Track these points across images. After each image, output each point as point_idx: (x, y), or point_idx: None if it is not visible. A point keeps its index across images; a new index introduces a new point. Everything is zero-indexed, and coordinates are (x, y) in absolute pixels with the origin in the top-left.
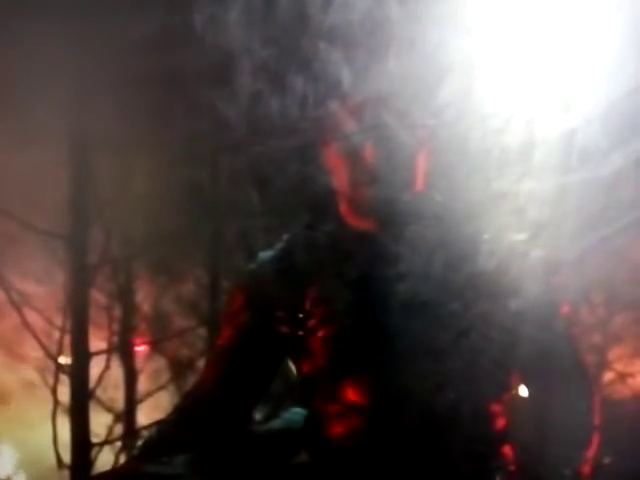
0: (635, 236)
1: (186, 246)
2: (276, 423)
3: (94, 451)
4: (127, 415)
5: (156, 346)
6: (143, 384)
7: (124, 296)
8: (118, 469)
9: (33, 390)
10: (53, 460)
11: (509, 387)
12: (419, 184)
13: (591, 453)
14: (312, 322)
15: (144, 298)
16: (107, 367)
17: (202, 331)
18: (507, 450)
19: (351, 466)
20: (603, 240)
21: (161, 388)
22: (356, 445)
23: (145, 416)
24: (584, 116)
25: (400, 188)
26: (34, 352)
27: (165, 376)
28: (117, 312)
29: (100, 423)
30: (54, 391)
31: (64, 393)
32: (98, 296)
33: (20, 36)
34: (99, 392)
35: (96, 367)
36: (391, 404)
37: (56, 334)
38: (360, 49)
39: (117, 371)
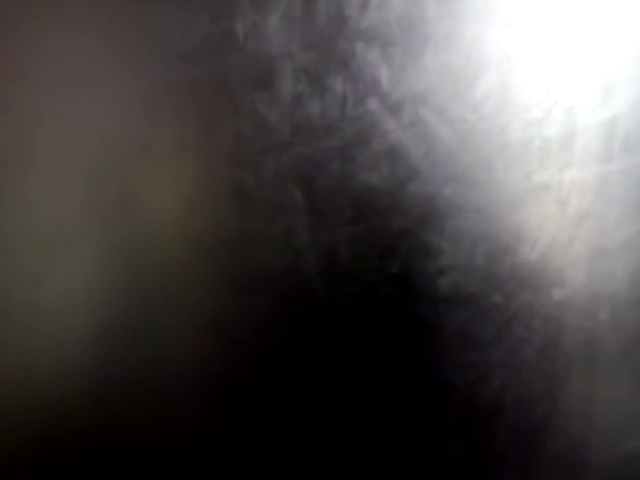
0: None
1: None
2: None
3: None
4: None
5: None
6: None
7: None
8: None
9: None
10: None
11: (554, 377)
12: (460, 178)
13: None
14: None
15: None
16: None
17: None
18: (551, 439)
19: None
20: None
21: None
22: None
23: None
24: (625, 103)
25: (440, 183)
26: None
27: None
28: None
29: None
30: None
31: None
32: None
33: (60, 42)
34: None
35: None
36: (434, 396)
37: None
38: (397, 48)
39: None
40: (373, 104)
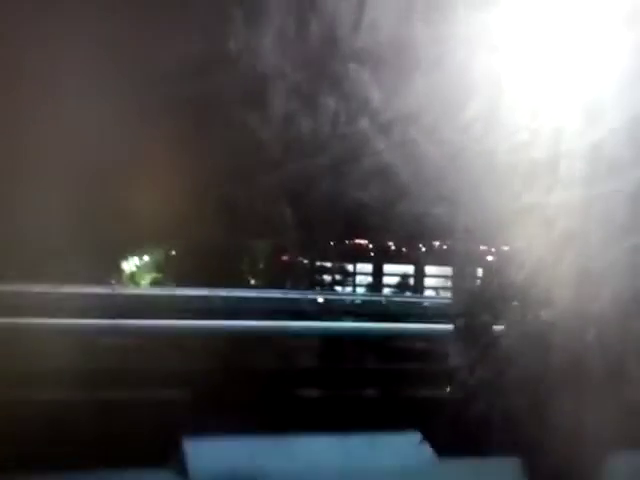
0: None
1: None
2: None
3: None
4: None
5: None
6: None
7: None
8: None
9: None
10: None
11: (540, 395)
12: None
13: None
14: None
15: None
16: None
17: None
18: (538, 456)
19: None
20: (632, 250)
21: None
22: None
23: None
24: (610, 127)
25: (430, 203)
26: None
27: None
28: None
29: None
30: None
31: None
32: None
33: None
34: None
35: None
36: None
37: None
38: (388, 69)
39: None
40: (364, 123)
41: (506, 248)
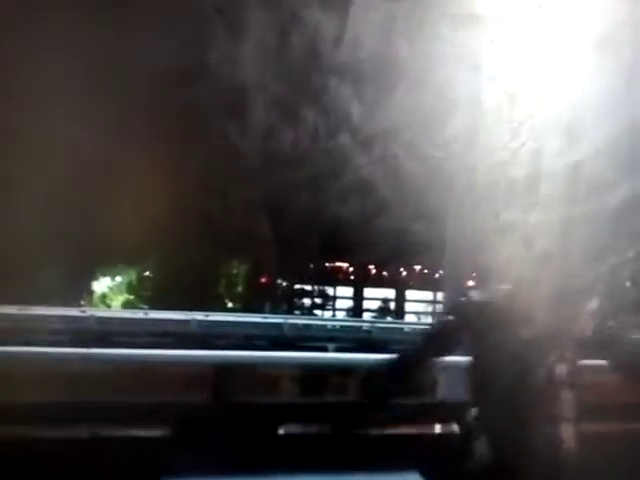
0: None
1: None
2: None
3: None
4: None
5: None
6: None
7: None
8: None
9: None
10: None
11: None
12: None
13: None
14: None
15: None
16: None
17: None
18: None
19: None
20: (611, 270)
21: None
22: None
23: None
24: (591, 148)
25: (409, 219)
26: None
27: None
28: None
29: None
30: None
31: None
32: None
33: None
34: None
35: None
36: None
37: None
38: (369, 84)
39: None
40: (344, 138)
41: (486, 266)
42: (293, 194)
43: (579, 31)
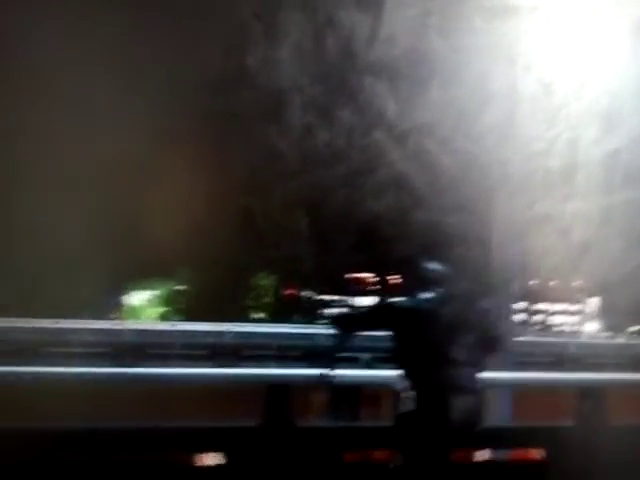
0: None
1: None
2: None
3: None
4: None
5: None
6: None
7: None
8: None
9: None
10: None
11: None
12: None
13: None
14: None
15: None
16: None
17: None
18: None
19: None
20: None
21: None
22: None
23: None
24: (627, 136)
25: (444, 212)
26: None
27: None
28: None
29: None
30: None
31: None
32: None
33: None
34: None
35: None
36: None
37: None
38: (403, 81)
39: None
40: (379, 135)
41: (521, 257)
42: (330, 191)
43: (614, 17)
